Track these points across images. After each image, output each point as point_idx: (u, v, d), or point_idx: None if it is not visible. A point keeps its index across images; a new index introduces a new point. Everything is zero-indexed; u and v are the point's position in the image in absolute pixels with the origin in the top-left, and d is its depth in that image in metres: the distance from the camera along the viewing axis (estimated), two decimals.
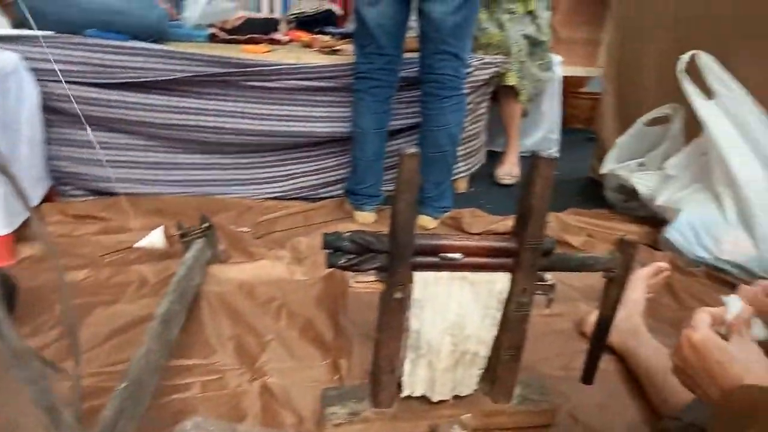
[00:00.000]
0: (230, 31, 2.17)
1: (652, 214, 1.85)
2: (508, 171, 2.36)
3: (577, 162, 2.64)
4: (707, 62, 1.65)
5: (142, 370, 0.90)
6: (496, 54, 2.24)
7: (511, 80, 2.27)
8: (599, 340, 0.97)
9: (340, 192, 2.04)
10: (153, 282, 1.37)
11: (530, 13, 2.35)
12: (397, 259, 0.84)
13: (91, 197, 1.87)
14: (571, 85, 3.52)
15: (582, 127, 3.45)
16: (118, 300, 1.29)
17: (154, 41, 1.84)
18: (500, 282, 0.88)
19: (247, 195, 2.01)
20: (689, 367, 0.64)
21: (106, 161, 1.84)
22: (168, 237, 1.58)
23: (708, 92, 1.65)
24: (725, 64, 1.65)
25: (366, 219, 1.85)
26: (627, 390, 1.10)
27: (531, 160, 0.84)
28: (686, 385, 0.66)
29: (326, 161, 2.07)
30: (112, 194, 1.87)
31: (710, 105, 1.63)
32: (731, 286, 1.46)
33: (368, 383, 0.98)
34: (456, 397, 0.96)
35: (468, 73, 1.90)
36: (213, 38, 2.15)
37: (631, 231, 1.82)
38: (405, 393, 0.94)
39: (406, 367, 0.92)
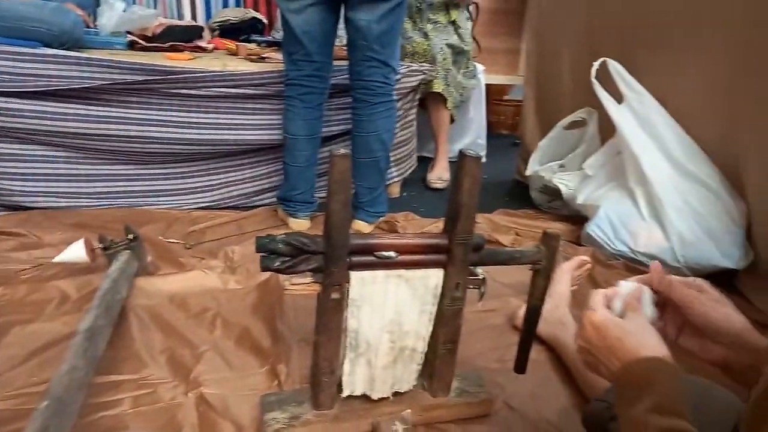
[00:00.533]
0: (151, 39, 2.11)
1: (575, 212, 1.95)
2: (439, 175, 2.42)
3: (503, 165, 2.75)
4: (616, 69, 1.77)
5: (66, 388, 0.85)
6: (422, 62, 2.30)
7: (438, 87, 2.34)
8: (529, 330, 1.01)
9: (273, 200, 2.02)
10: (75, 298, 1.31)
11: (453, 23, 2.44)
12: (333, 259, 0.85)
13: (3, 212, 1.76)
14: (494, 93, 3.67)
15: (507, 132, 3.60)
16: (37, 318, 1.21)
17: (68, 49, 1.76)
18: (434, 278, 0.91)
19: (176, 206, 1.95)
20: (593, 347, 0.67)
21: (21, 174, 1.74)
22: (90, 251, 1.50)
23: (618, 96, 1.77)
24: (631, 70, 1.77)
25: (301, 225, 1.84)
26: (558, 377, 1.15)
27: (458, 160, 0.87)
28: (589, 365, 0.69)
29: (258, 169, 2.05)
30: (27, 208, 1.76)
31: (621, 108, 1.75)
32: None
33: (308, 386, 0.98)
34: (396, 393, 0.98)
35: (397, 80, 1.94)
36: (133, 46, 2.09)
37: (556, 228, 1.89)
38: (345, 393, 0.94)
39: (346, 367, 0.93)
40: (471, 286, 0.93)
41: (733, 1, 1.56)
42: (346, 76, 1.86)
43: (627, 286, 0.73)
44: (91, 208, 1.85)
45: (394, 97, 1.84)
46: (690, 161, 1.63)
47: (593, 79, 1.78)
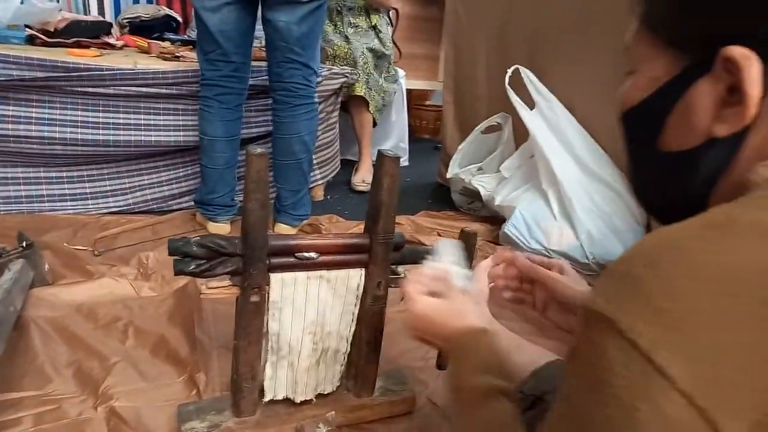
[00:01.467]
0: (53, 34, 1.98)
1: (494, 213, 2.02)
2: (363, 178, 2.43)
3: (426, 169, 2.80)
4: (527, 76, 1.85)
5: None
6: (343, 65, 2.31)
7: (360, 91, 2.35)
8: None
9: (191, 204, 1.95)
10: None
11: (373, 27, 2.46)
12: (252, 261, 0.83)
13: None
14: (416, 98, 3.74)
15: (429, 137, 3.67)
16: None
17: None
18: (356, 277, 0.91)
19: (83, 211, 1.84)
20: (422, 332, 0.73)
21: None
22: None
23: (530, 102, 1.86)
24: (541, 77, 1.86)
25: (221, 230, 1.78)
26: None
27: (377, 160, 0.88)
28: (425, 343, 0.75)
29: (174, 172, 1.97)
30: None
31: (533, 114, 1.83)
32: None
33: (229, 394, 0.95)
34: (319, 396, 0.97)
35: (318, 83, 1.93)
36: (32, 41, 1.95)
37: (477, 229, 1.96)
38: (267, 398, 0.92)
39: (267, 371, 0.91)
40: (392, 285, 0.94)
41: (617, 7, 1.67)
42: (266, 77, 1.83)
43: (445, 246, 0.80)
44: None
45: (316, 100, 1.83)
46: (596, 164, 1.74)
47: (507, 86, 1.86)
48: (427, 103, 3.90)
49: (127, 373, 1.07)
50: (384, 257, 0.90)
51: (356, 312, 0.93)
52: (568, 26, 1.87)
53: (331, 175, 2.31)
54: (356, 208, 2.19)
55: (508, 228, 1.78)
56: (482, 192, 2.01)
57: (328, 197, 2.31)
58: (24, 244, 1.32)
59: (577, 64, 1.85)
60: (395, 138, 2.89)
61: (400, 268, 0.95)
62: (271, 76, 1.74)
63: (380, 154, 0.87)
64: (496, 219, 2.02)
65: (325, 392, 0.97)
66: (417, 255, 0.96)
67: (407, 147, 2.93)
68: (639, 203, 0.58)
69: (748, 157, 0.45)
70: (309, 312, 0.90)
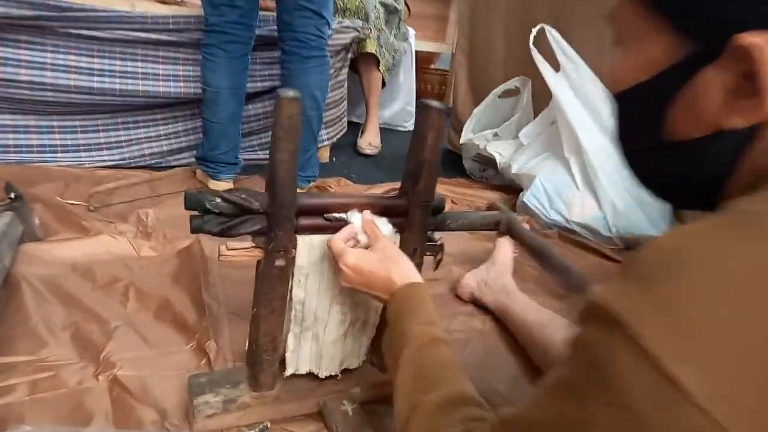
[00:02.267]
0: None
1: (508, 182, 1.94)
2: (370, 141, 2.33)
3: None
4: (553, 36, 1.74)
5: None
6: (355, 19, 2.17)
7: (371, 48, 2.23)
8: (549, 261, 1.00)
9: (191, 160, 1.83)
10: None
11: None
12: (278, 220, 0.73)
13: None
14: (422, 61, 3.60)
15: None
16: None
17: None
18: None
19: (76, 163, 1.72)
20: (356, 285, 0.74)
21: None
22: None
23: (554, 65, 1.75)
24: (567, 38, 1.75)
25: (222, 188, 1.67)
26: (506, 347, 1.11)
27: (420, 112, 0.78)
28: (364, 294, 0.76)
29: (174, 126, 1.85)
30: None
31: (558, 77, 1.73)
32: (582, 246, 1.58)
33: (243, 365, 0.87)
34: (344, 370, 0.89)
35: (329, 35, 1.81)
36: None
37: (489, 197, 1.88)
38: (289, 372, 0.84)
39: (290, 342, 0.82)
40: (428, 253, 0.86)
41: None
42: (273, 27, 1.70)
43: (356, 217, 0.78)
44: None
45: (328, 52, 1.70)
46: None
47: (531, 46, 1.75)
48: (432, 66, 3.76)
49: (130, 339, 0.98)
50: (422, 222, 0.82)
51: None
52: None
53: (338, 136, 2.20)
54: (363, 172, 2.09)
55: (527, 198, 1.70)
56: (498, 159, 1.91)
57: (334, 159, 2.20)
58: (12, 195, 1.21)
59: (606, 24, 1.74)
60: (402, 101, 2.77)
61: (437, 234, 0.87)
62: (280, 25, 1.61)
63: (425, 105, 0.77)
64: (510, 188, 1.94)
65: (351, 367, 0.89)
66: (458, 221, 0.87)
67: (414, 110, 2.81)
68: (641, 185, 0.53)
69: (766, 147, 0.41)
70: (338, 280, 0.81)
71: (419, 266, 0.85)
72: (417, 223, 0.81)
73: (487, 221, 0.89)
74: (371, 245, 0.76)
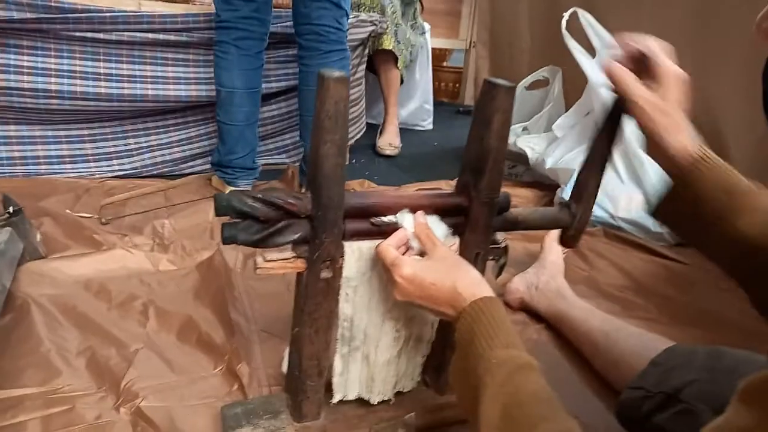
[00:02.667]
0: None
1: (540, 178, 1.83)
2: (389, 141, 2.22)
3: (451, 133, 2.59)
4: (587, 20, 1.63)
5: None
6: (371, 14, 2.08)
7: (388, 44, 2.13)
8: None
9: (206, 167, 1.74)
10: None
11: None
12: (325, 225, 0.63)
13: None
14: (435, 59, 3.50)
15: (447, 100, 3.44)
16: None
17: None
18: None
19: (86, 174, 1.62)
20: (415, 299, 0.64)
21: None
22: None
23: (590, 51, 1.64)
24: (600, 22, 1.64)
25: None
26: (566, 359, 1.00)
27: (485, 91, 0.68)
28: (423, 309, 0.67)
29: (186, 132, 1.76)
30: None
31: (594, 63, 1.62)
32: (629, 244, 1.46)
33: (282, 390, 0.76)
34: (397, 394, 0.78)
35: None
36: None
37: (523, 195, 1.78)
38: (336, 398, 0.74)
39: (337, 365, 0.72)
40: (492, 258, 0.75)
41: None
42: (286, 23, 1.61)
43: (408, 219, 0.67)
44: None
45: (347, 46, 1.60)
46: None
47: (564, 31, 1.64)
48: (445, 63, 3.66)
49: (152, 364, 0.88)
50: (486, 222, 0.71)
51: None
52: None
53: (358, 135, 2.10)
54: (385, 173, 1.98)
55: (567, 194, 1.58)
56: (530, 154, 1.80)
57: (354, 161, 2.10)
58: (11, 209, 1.11)
59: (641, 7, 1.64)
60: (419, 98, 2.66)
61: (500, 236, 0.76)
62: (296, 18, 1.51)
63: (490, 83, 0.66)
64: (543, 184, 1.83)
65: (405, 390, 0.78)
66: (527, 220, 0.76)
67: (432, 109, 2.71)
68: None
69: None
70: (391, 292, 0.70)
71: (482, 273, 0.74)
72: (481, 223, 0.70)
73: (561, 218, 0.78)
74: (428, 252, 0.66)
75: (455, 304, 0.62)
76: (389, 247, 0.66)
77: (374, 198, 0.69)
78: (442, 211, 0.70)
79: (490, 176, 0.68)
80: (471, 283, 0.63)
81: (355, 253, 0.67)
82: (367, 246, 0.67)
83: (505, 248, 0.76)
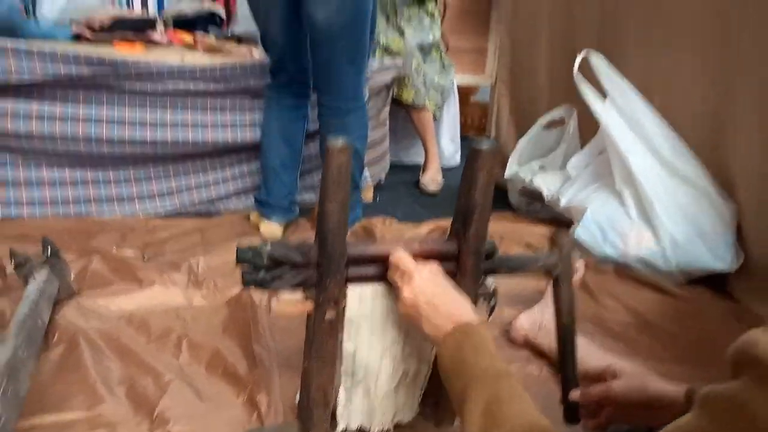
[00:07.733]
0: (98, 30, 1.92)
1: (555, 215, 1.88)
2: (432, 177, 2.34)
3: None
4: (598, 63, 1.70)
5: None
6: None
7: (407, 96, 2.26)
8: (567, 362, 0.90)
9: (240, 206, 1.86)
10: None
11: (431, 16, 2.36)
12: (329, 271, 0.72)
13: None
14: (461, 95, 3.60)
15: (475, 135, 3.52)
16: None
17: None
18: None
19: (130, 213, 1.77)
20: (422, 304, 0.72)
21: None
22: None
23: (600, 92, 1.71)
24: (613, 63, 1.71)
25: (272, 231, 1.69)
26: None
27: (470, 155, 0.76)
28: (409, 317, 0.75)
29: (223, 172, 1.89)
30: None
31: (605, 105, 1.68)
32: (639, 281, 1.50)
33: (297, 420, 0.85)
34: (396, 426, 0.86)
35: (367, 79, 1.81)
36: (78, 38, 1.90)
37: (539, 233, 1.83)
38: (340, 428, 0.82)
39: (341, 396, 0.80)
40: (482, 300, 0.83)
41: None
42: None
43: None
44: (34, 217, 1.66)
45: (366, 99, 1.71)
46: (678, 160, 1.58)
47: (576, 72, 1.71)
48: (472, 99, 3.75)
49: (183, 393, 0.98)
50: (475, 267, 0.79)
51: None
52: (652, 11, 1.71)
53: (382, 174, 2.20)
54: (408, 211, 2.07)
55: (579, 232, 1.64)
56: (545, 192, 1.86)
57: (377, 198, 2.20)
58: (49, 251, 1.25)
59: (654, 46, 1.70)
60: (447, 135, 2.76)
61: (489, 280, 0.84)
62: (316, 77, 1.64)
63: (474, 148, 0.75)
64: (559, 222, 1.88)
65: (404, 421, 0.85)
66: (510, 264, 0.84)
67: (459, 144, 2.80)
68: None
69: None
70: (388, 330, 0.79)
71: None
72: (469, 269, 0.79)
73: (541, 264, 0.85)
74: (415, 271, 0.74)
75: (454, 319, 0.70)
76: (408, 256, 0.75)
77: (374, 246, 0.78)
78: (436, 256, 0.79)
79: (476, 227, 0.77)
80: (470, 308, 0.73)
81: (357, 296, 0.76)
82: (367, 289, 0.76)
83: (494, 291, 0.83)
